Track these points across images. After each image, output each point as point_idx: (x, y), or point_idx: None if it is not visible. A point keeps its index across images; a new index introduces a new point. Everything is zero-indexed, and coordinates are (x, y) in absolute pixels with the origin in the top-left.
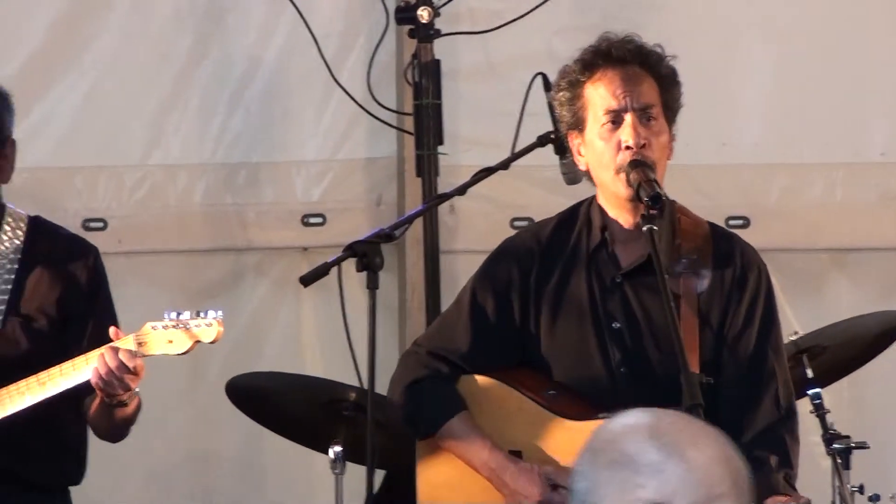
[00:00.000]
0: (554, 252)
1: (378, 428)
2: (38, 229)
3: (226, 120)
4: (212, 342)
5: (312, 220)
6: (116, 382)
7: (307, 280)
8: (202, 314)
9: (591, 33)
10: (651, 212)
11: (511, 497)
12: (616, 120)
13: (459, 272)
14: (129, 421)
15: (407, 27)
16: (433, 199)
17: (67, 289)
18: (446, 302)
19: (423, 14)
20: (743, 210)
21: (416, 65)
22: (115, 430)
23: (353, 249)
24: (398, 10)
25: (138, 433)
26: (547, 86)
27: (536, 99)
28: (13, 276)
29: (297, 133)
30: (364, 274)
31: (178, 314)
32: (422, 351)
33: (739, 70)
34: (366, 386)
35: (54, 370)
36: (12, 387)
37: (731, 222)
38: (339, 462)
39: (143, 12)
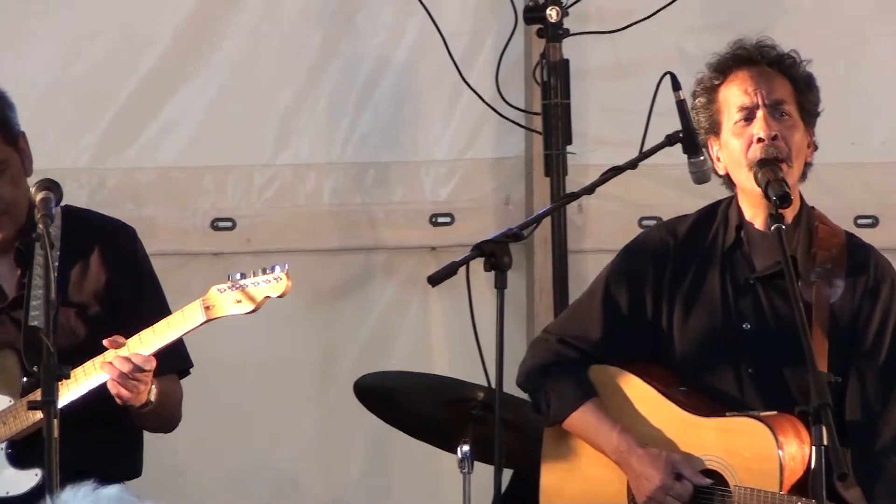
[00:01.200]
0: (689, 249)
1: (506, 427)
2: (73, 219)
3: (354, 119)
4: (280, 296)
5: (441, 220)
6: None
7: (435, 279)
8: (268, 269)
9: (720, 33)
10: (779, 211)
11: (635, 480)
12: (748, 116)
13: (587, 272)
14: (166, 411)
15: (535, 27)
16: (561, 199)
17: (114, 272)
18: None
19: (552, 14)
20: (872, 209)
21: (544, 64)
22: (159, 422)
23: (481, 249)
24: (527, 9)
25: (268, 432)
26: (675, 85)
27: (665, 98)
28: (57, 268)
29: (425, 132)
30: (492, 273)
31: (243, 275)
32: (552, 338)
33: (868, 69)
34: (494, 385)
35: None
36: (78, 369)
37: (860, 221)
38: (467, 461)
39: (272, 12)
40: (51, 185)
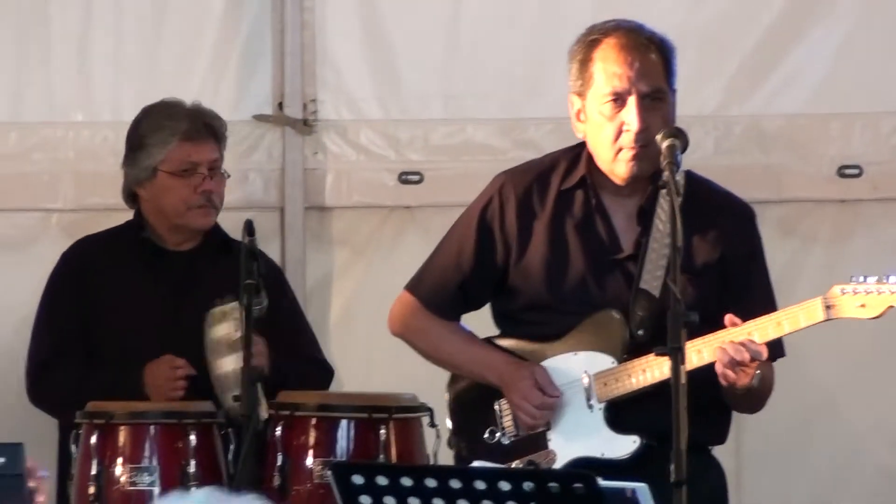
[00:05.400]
0: None
1: None
2: (695, 185)
3: None
4: None
5: None
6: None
7: None
8: (890, 278)
9: None
10: None
11: None
12: None
13: None
14: (758, 396)
15: None
16: None
17: (730, 250)
18: None
19: None
20: None
21: None
22: (748, 404)
23: None
24: None
25: (829, 402)
26: None
27: None
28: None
29: None
30: None
31: (865, 278)
32: None
33: None
34: None
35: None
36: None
37: None
38: None
39: None
40: (677, 133)
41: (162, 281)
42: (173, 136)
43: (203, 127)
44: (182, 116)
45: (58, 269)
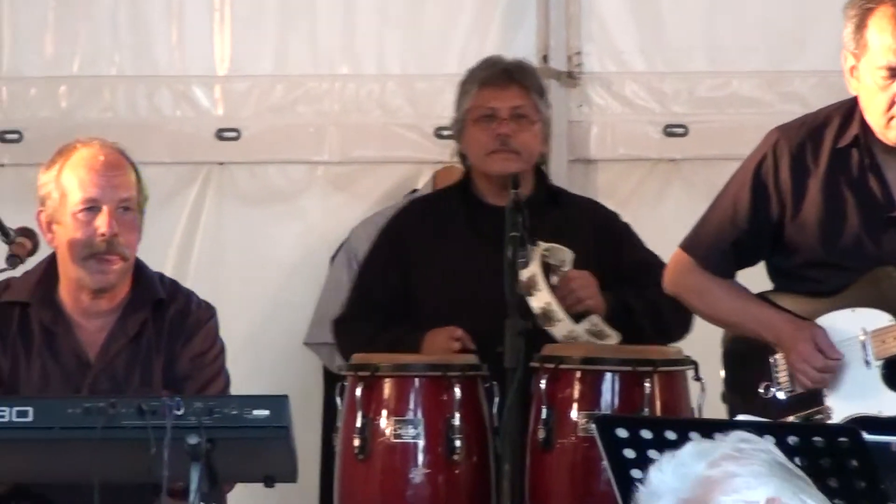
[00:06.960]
0: None
1: None
2: None
3: None
4: None
5: None
6: None
7: None
8: None
9: None
10: None
11: None
12: None
13: None
14: None
15: None
16: None
17: None
18: None
19: None
20: None
21: None
22: None
23: None
24: None
25: None
26: None
27: None
28: None
29: None
30: None
31: None
32: None
33: None
34: None
35: None
36: None
37: None
38: None
39: None
40: None
41: (481, 236)
42: (473, 84)
43: (501, 73)
44: (485, 66)
45: (382, 229)
